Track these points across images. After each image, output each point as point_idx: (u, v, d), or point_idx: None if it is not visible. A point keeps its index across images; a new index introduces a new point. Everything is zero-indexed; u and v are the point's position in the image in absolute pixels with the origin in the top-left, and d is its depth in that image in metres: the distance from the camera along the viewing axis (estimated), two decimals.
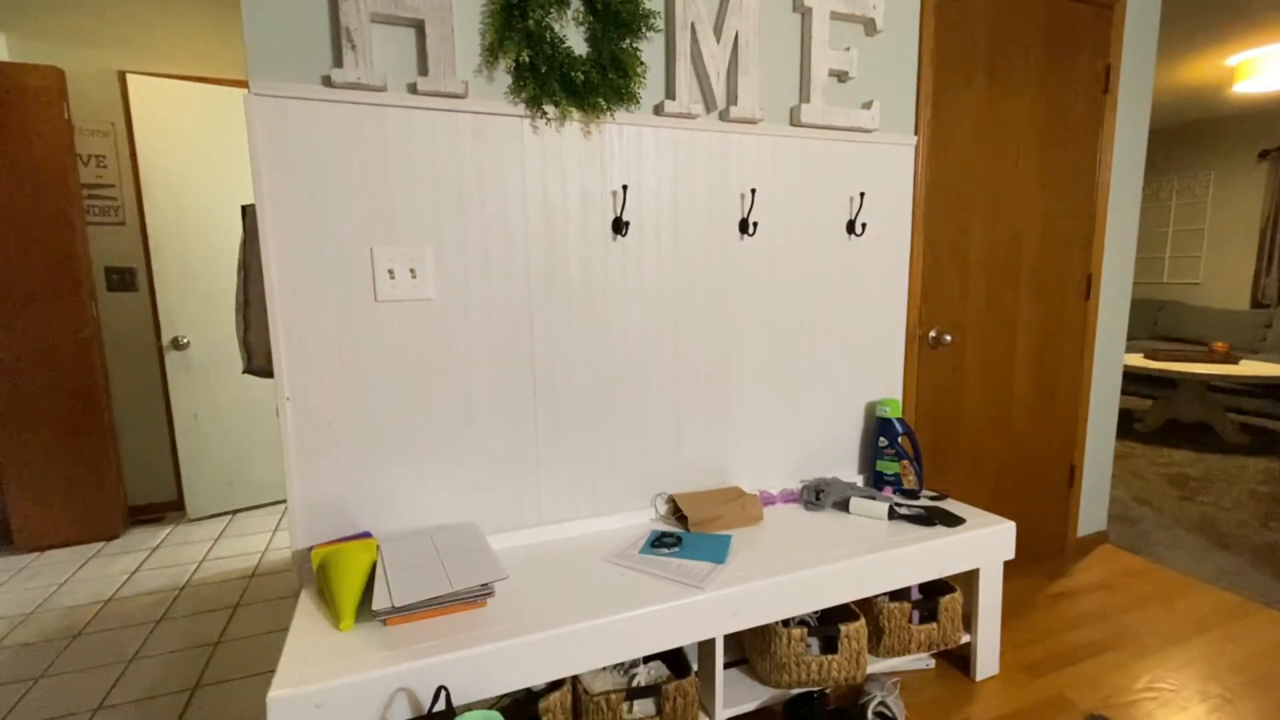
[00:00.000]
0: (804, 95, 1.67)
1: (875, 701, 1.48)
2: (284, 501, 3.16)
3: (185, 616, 2.10)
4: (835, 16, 1.66)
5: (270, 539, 2.74)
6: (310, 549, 1.36)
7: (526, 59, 1.35)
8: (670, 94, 1.53)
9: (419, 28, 1.31)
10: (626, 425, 1.63)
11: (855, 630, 1.47)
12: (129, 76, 2.72)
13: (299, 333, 1.31)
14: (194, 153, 2.89)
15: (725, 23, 1.53)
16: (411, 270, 1.37)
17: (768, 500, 1.78)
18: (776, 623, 1.44)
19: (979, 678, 1.69)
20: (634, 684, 1.36)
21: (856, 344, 1.87)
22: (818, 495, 1.74)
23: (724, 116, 1.58)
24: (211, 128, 2.91)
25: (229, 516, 3.02)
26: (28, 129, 2.50)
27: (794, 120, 1.67)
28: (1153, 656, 1.79)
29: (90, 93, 2.76)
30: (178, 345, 2.87)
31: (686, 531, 1.58)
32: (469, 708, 1.16)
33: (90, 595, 2.26)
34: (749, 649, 1.54)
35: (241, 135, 2.95)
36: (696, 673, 1.39)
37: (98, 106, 2.78)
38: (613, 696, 1.29)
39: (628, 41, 1.45)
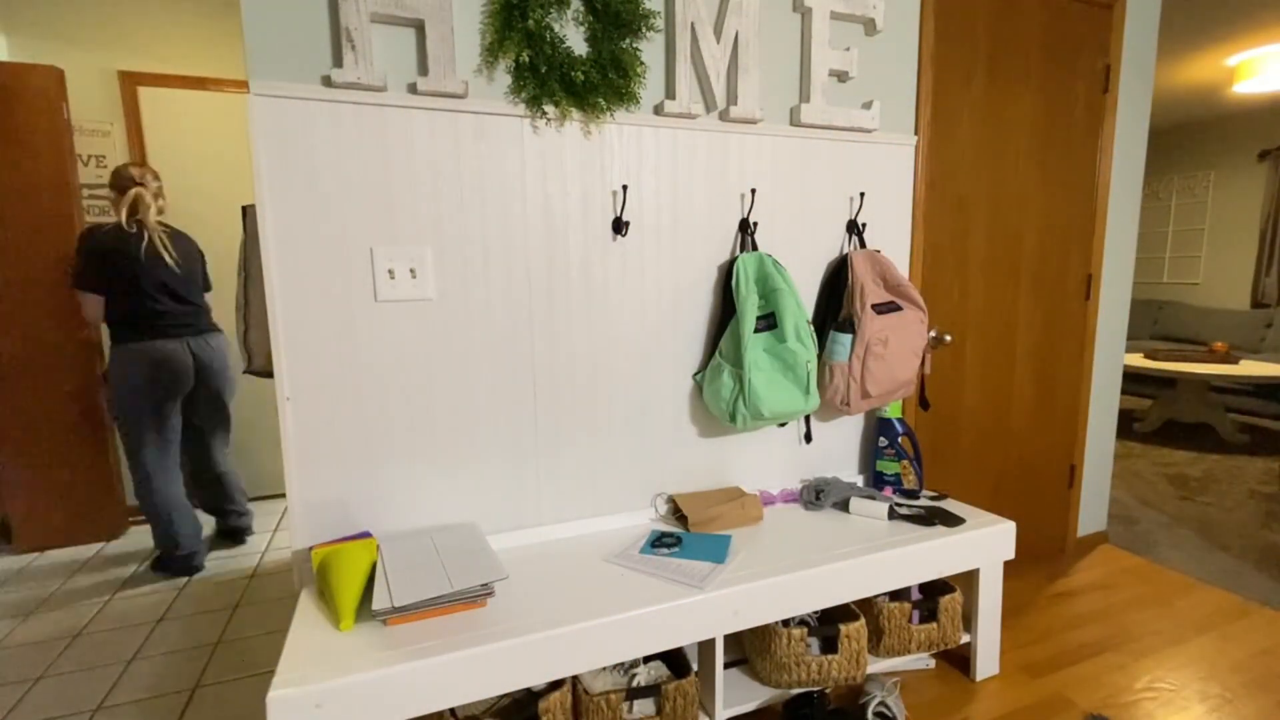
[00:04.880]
0: (804, 95, 1.67)
1: (875, 701, 1.48)
2: (283, 495, 3.16)
3: (185, 616, 2.10)
4: (835, 16, 1.67)
5: (270, 539, 2.74)
6: (310, 549, 1.36)
7: (526, 59, 1.35)
8: (670, 94, 1.53)
9: (419, 28, 1.31)
10: (626, 425, 1.63)
11: (855, 630, 1.47)
12: (140, 89, 2.74)
13: (299, 333, 1.31)
14: (197, 153, 2.90)
15: (725, 23, 1.53)
16: (411, 270, 1.37)
17: (768, 500, 1.78)
18: (776, 623, 1.44)
19: (979, 678, 1.69)
20: (634, 684, 1.37)
21: None
22: (818, 495, 1.74)
23: (724, 116, 1.58)
24: (215, 129, 2.92)
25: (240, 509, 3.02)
26: (28, 129, 2.50)
27: (794, 120, 1.67)
28: (1153, 656, 1.79)
29: (90, 93, 2.76)
30: None
31: (686, 531, 1.58)
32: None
33: (90, 595, 2.26)
34: (749, 649, 1.54)
35: (244, 136, 2.96)
36: (696, 673, 1.39)
37: (98, 106, 2.78)
38: (613, 696, 1.29)
39: (628, 41, 1.45)
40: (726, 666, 1.54)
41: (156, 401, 2.32)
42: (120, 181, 2.26)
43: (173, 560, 2.41)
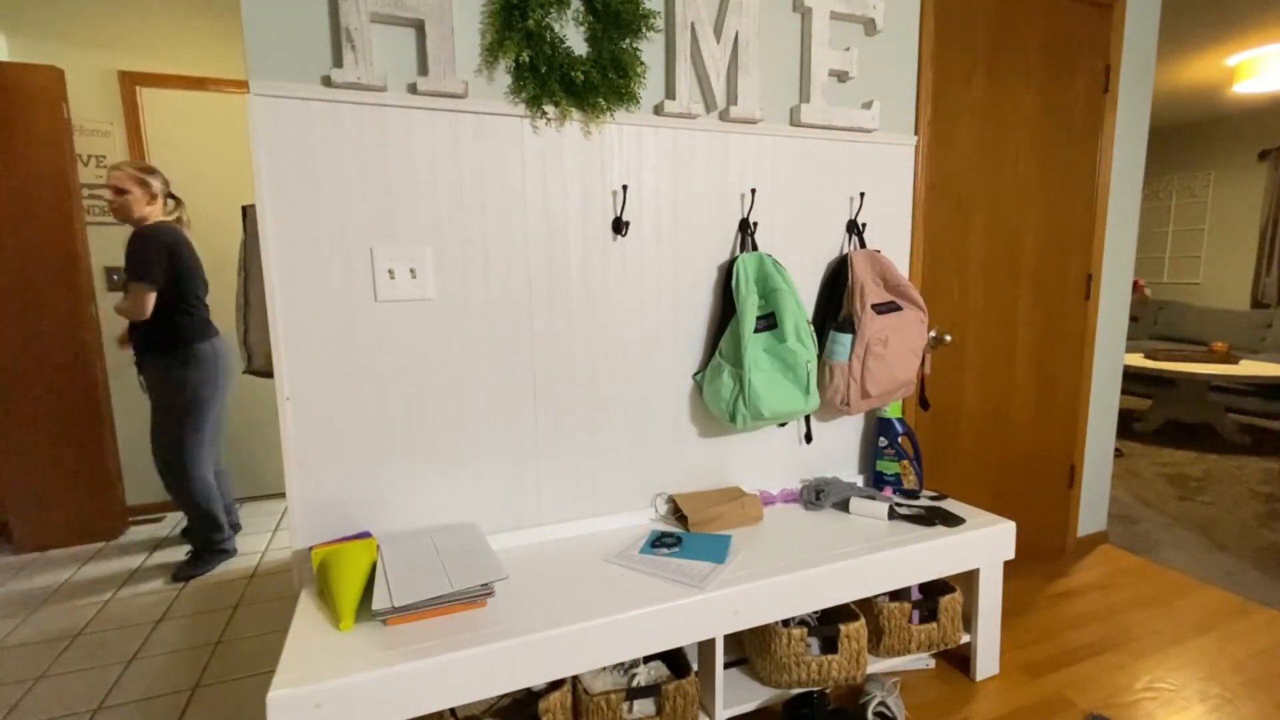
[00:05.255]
0: (804, 95, 1.67)
1: (875, 701, 1.48)
2: (283, 495, 3.17)
3: (185, 616, 2.10)
4: (835, 16, 1.66)
5: (270, 539, 2.74)
6: (310, 549, 1.36)
7: (526, 59, 1.35)
8: (670, 94, 1.53)
9: (419, 28, 1.31)
10: (627, 425, 1.63)
11: (855, 630, 1.47)
12: (140, 89, 2.74)
13: (299, 333, 1.31)
14: (197, 153, 2.90)
15: (725, 23, 1.53)
16: (411, 270, 1.37)
17: (768, 500, 1.78)
18: (776, 623, 1.44)
19: (979, 678, 1.69)
20: (634, 684, 1.37)
21: None
22: (818, 495, 1.74)
23: (724, 116, 1.58)
24: (215, 129, 2.92)
25: (237, 505, 3.04)
26: (28, 129, 2.50)
27: (794, 120, 1.67)
28: (1153, 656, 1.79)
29: (90, 93, 2.76)
30: None
31: (686, 531, 1.58)
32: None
33: (90, 595, 2.26)
34: (749, 649, 1.54)
35: (244, 136, 2.96)
36: (696, 673, 1.39)
37: (98, 106, 2.78)
38: (613, 696, 1.29)
39: (628, 41, 1.45)
40: (726, 666, 1.54)
41: (222, 396, 2.46)
42: (164, 182, 2.34)
43: (213, 552, 2.48)
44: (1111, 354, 2.39)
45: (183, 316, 2.30)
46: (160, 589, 2.30)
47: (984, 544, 1.61)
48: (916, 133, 1.85)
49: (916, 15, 1.81)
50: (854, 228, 1.80)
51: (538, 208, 1.47)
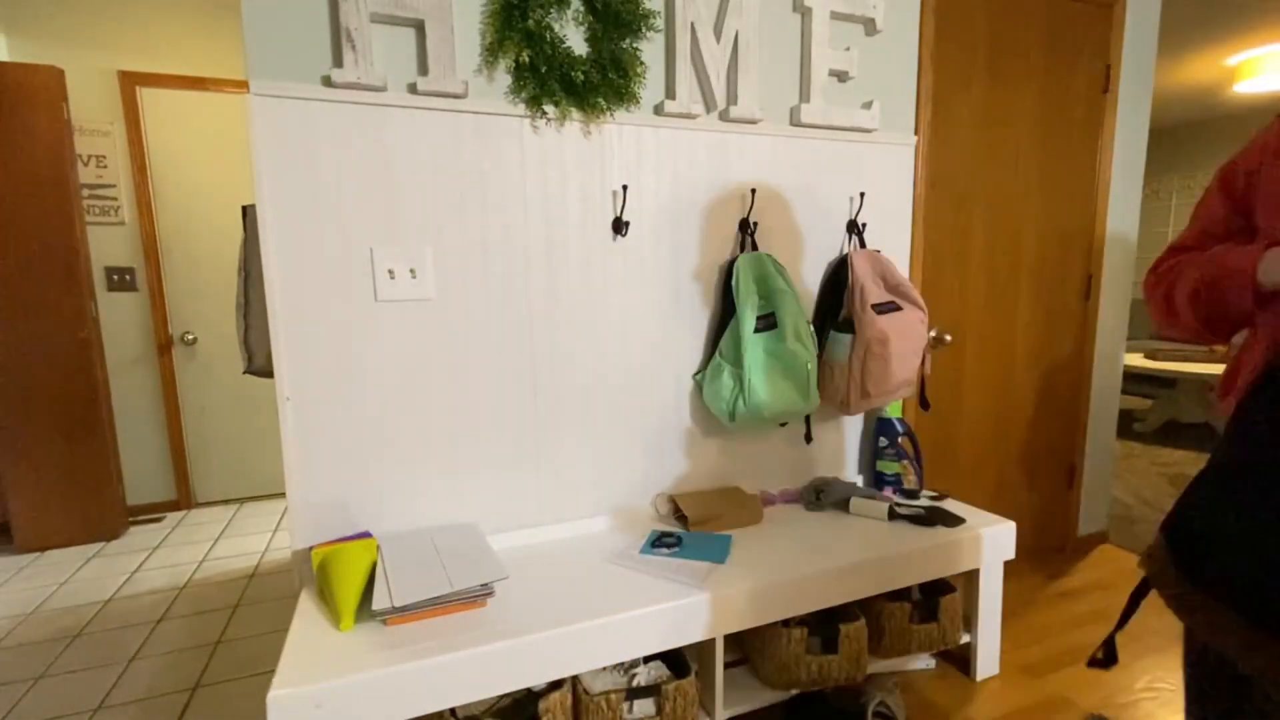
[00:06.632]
0: (804, 95, 1.67)
1: (875, 701, 1.48)
2: (283, 495, 3.17)
3: (185, 616, 2.10)
4: (835, 16, 1.66)
5: (270, 539, 2.74)
6: (310, 549, 1.36)
7: (526, 59, 1.35)
8: (670, 94, 1.53)
9: (419, 28, 1.31)
10: (627, 425, 1.62)
11: (855, 630, 1.47)
12: (140, 90, 2.74)
13: (299, 333, 1.31)
14: (203, 155, 2.90)
15: (725, 23, 1.53)
16: (411, 270, 1.37)
17: (768, 500, 1.78)
18: (776, 623, 1.44)
19: (979, 678, 1.69)
20: (634, 684, 1.36)
21: None
22: (818, 495, 1.74)
23: (724, 116, 1.58)
24: (215, 129, 2.92)
25: (237, 505, 3.06)
26: (28, 129, 2.49)
27: (794, 120, 1.67)
28: (1153, 656, 1.79)
29: (90, 93, 2.76)
30: (185, 342, 2.93)
31: (686, 531, 1.58)
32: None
33: (90, 595, 2.26)
34: (749, 649, 1.54)
35: (244, 136, 2.96)
36: (696, 673, 1.39)
37: (98, 106, 2.78)
38: (613, 696, 1.29)
39: (628, 41, 1.45)
40: (726, 666, 1.54)
41: None
42: None
43: None
44: (1111, 354, 2.39)
45: None
46: (160, 589, 2.30)
47: (984, 544, 1.61)
48: (916, 132, 1.85)
49: (916, 15, 1.81)
50: (854, 227, 1.80)
51: (538, 207, 1.47)
